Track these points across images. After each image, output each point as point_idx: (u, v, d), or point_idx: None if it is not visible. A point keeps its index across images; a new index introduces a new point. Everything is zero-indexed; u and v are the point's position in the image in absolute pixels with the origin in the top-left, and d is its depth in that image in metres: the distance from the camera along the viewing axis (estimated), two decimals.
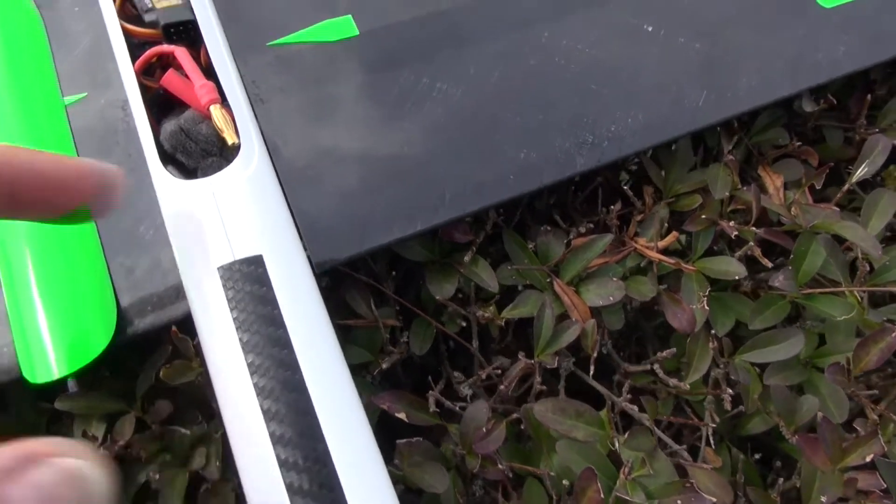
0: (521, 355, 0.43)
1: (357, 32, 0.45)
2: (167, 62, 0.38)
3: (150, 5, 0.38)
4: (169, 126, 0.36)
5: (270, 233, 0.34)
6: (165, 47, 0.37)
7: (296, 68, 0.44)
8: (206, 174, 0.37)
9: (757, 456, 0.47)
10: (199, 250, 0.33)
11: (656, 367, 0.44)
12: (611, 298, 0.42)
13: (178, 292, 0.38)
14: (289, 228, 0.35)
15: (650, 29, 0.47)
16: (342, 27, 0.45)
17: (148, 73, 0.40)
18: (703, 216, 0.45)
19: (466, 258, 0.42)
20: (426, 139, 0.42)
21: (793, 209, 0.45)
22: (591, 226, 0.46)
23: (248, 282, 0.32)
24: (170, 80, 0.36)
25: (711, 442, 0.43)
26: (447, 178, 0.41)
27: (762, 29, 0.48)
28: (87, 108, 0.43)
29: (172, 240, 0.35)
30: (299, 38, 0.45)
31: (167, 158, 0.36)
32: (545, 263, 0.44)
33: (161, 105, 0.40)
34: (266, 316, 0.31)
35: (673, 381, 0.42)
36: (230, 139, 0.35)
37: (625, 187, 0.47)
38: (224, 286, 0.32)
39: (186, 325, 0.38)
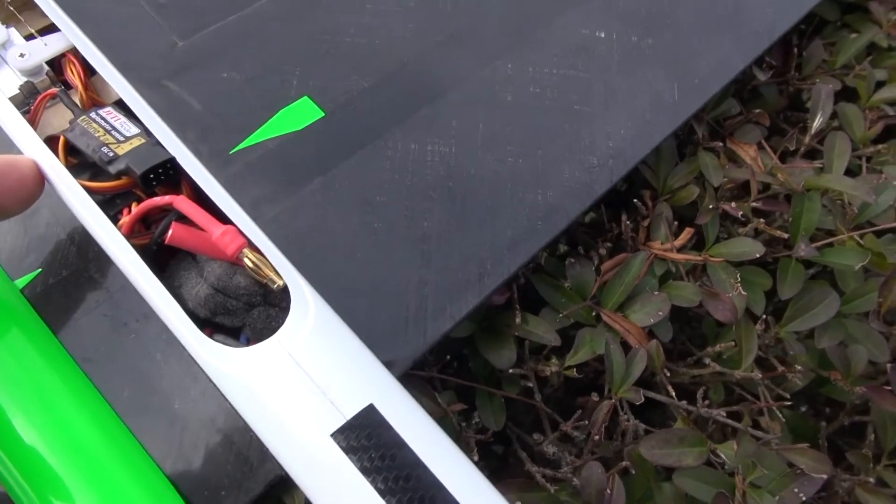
0: (594, 396, 0.42)
1: (323, 113, 0.41)
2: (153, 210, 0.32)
3: (111, 154, 0.32)
4: (200, 291, 0.30)
5: (366, 371, 0.30)
6: (158, 200, 0.31)
7: (272, 172, 0.39)
8: (256, 329, 0.32)
9: (803, 409, 0.50)
10: (295, 422, 0.29)
11: (707, 360, 0.45)
12: (660, 314, 0.42)
13: (249, 464, 0.33)
14: (370, 355, 0.31)
15: (602, 35, 0.47)
16: (304, 111, 0.41)
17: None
18: (710, 206, 0.45)
19: (518, 319, 0.40)
20: (443, 210, 0.39)
21: (779, 175, 0.46)
22: (609, 245, 0.45)
23: (370, 437, 0.28)
24: (179, 236, 0.30)
25: (778, 413, 0.45)
26: (481, 246, 0.38)
27: (697, 7, 0.49)
28: (46, 286, 0.36)
29: (248, 415, 0.30)
30: (262, 136, 0.40)
31: (202, 324, 0.31)
32: (584, 297, 0.43)
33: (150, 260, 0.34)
34: (401, 464, 0.28)
35: (738, 373, 0.43)
36: (275, 282, 0.31)
37: (635, 202, 0.47)
38: (346, 451, 0.28)
39: (271, 495, 0.34)
